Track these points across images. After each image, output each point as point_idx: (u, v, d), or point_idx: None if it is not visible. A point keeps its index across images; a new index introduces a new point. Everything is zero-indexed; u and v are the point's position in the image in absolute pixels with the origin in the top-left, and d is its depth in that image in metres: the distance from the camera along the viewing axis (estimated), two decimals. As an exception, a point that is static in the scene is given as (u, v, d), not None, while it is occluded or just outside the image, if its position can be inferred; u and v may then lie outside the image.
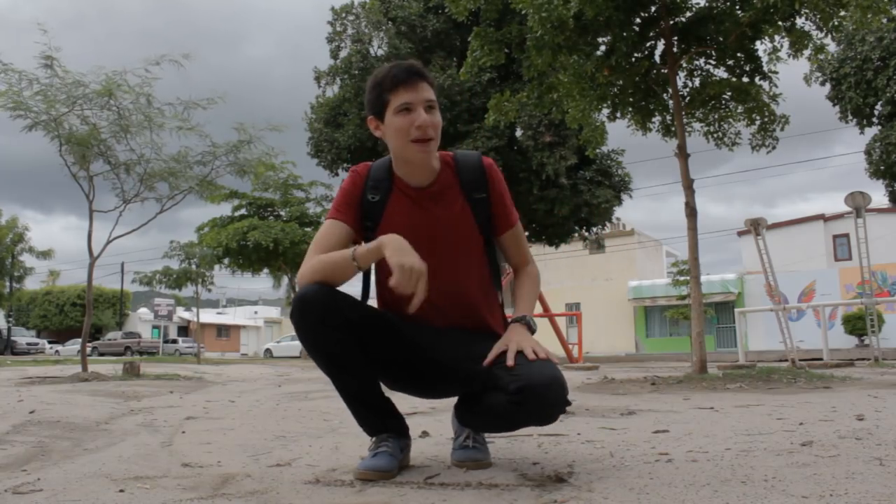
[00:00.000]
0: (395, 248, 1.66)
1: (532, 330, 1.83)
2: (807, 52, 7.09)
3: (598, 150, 10.14)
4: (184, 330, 46.16)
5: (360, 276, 1.92)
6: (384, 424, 1.88)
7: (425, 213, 1.86)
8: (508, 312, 2.00)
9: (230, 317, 54.88)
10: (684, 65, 7.44)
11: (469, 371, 1.81)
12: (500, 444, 2.31)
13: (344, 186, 1.91)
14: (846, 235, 26.13)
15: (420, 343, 1.86)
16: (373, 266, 1.89)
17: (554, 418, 1.73)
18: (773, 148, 7.96)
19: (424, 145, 1.78)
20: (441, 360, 1.85)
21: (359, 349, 1.78)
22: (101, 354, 33.10)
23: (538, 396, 1.65)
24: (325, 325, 1.72)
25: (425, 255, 1.83)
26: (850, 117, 20.64)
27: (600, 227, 21.66)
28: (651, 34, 7.32)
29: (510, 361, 1.68)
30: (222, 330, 51.51)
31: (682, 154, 6.93)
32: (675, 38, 7.10)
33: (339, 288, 1.80)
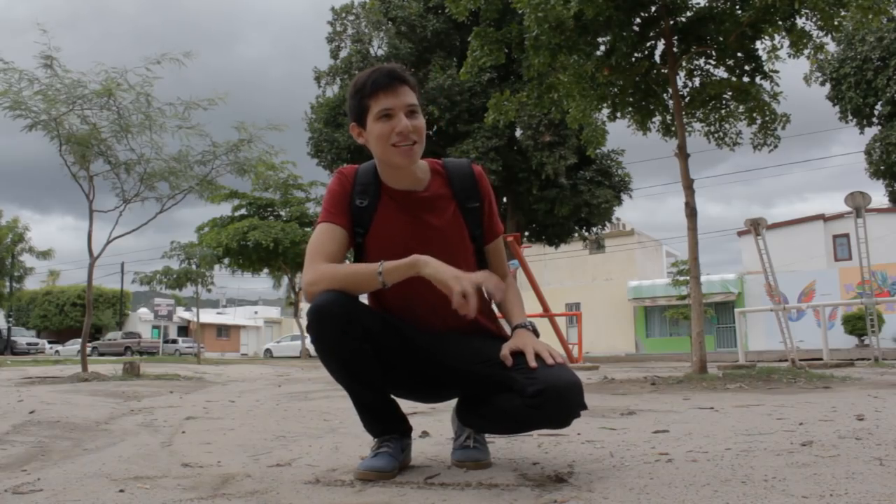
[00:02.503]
0: (435, 266, 1.65)
1: (537, 334, 1.83)
2: (806, 52, 7.10)
3: (598, 150, 10.15)
4: (184, 330, 46.17)
5: None
6: (389, 426, 1.88)
7: (417, 220, 1.84)
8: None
9: (230, 317, 54.90)
10: (684, 65, 7.44)
11: (478, 373, 1.81)
12: (500, 444, 2.31)
13: (332, 188, 1.87)
14: (846, 235, 26.14)
15: (427, 347, 1.85)
16: None
17: (569, 422, 1.71)
18: (775, 147, 7.97)
19: (408, 149, 1.76)
20: (448, 362, 1.84)
21: (373, 356, 1.77)
22: (101, 354, 33.11)
23: (557, 400, 1.64)
24: (342, 332, 1.70)
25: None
26: (850, 117, 20.66)
27: (600, 227, 21.67)
28: (651, 34, 7.32)
29: (532, 363, 1.67)
30: (222, 330, 51.52)
31: (682, 154, 6.93)
32: (675, 38, 7.11)
33: None
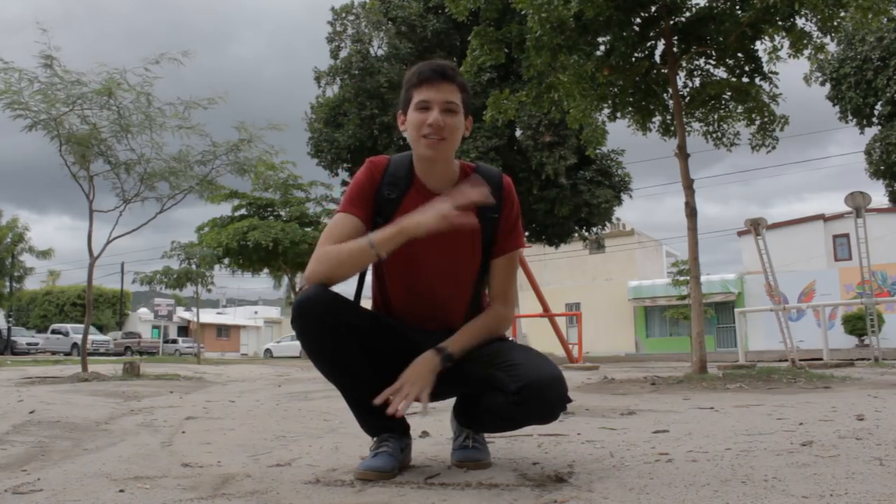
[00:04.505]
0: (420, 220, 1.68)
1: (444, 364, 1.76)
2: (806, 52, 7.09)
3: (598, 150, 10.15)
4: (184, 330, 46.14)
5: (354, 278, 1.93)
6: (385, 425, 1.87)
7: None
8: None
9: (230, 317, 54.86)
10: (684, 65, 7.44)
11: (464, 370, 1.82)
12: (500, 444, 2.31)
13: (359, 178, 1.88)
14: (846, 235, 26.11)
15: (418, 343, 1.86)
16: (369, 268, 1.89)
17: (555, 416, 1.74)
18: (773, 148, 7.97)
19: (434, 142, 1.78)
20: None
21: (360, 351, 1.78)
22: (101, 354, 33.06)
23: (539, 395, 1.66)
24: (326, 326, 1.72)
25: (429, 258, 1.84)
26: (850, 117, 20.65)
27: (600, 227, 21.66)
28: (651, 34, 7.32)
29: (391, 409, 1.68)
30: (222, 330, 51.49)
31: (682, 154, 6.93)
32: (675, 38, 7.10)
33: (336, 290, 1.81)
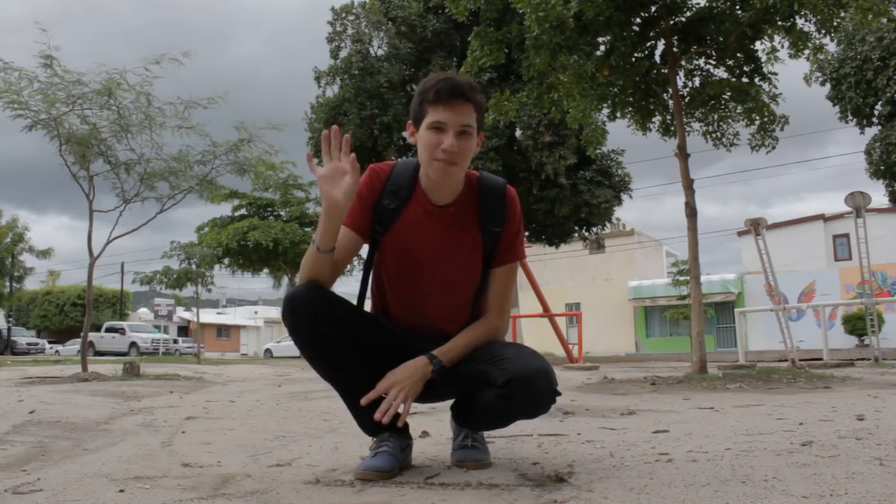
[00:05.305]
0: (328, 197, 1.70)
1: (434, 374, 1.76)
2: (806, 52, 7.09)
3: (598, 150, 10.16)
4: (184, 330, 46.13)
5: (358, 282, 1.93)
6: (384, 424, 1.88)
7: (439, 231, 1.84)
8: (514, 311, 1.99)
9: (230, 317, 54.87)
10: (684, 65, 7.44)
11: (459, 370, 1.82)
12: (500, 444, 2.31)
13: (358, 188, 1.84)
14: (846, 235, 26.11)
15: (413, 346, 1.86)
16: (371, 274, 1.91)
17: (544, 409, 1.75)
18: (773, 148, 7.97)
19: (447, 168, 1.75)
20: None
21: (352, 346, 1.79)
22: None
23: (526, 388, 1.67)
24: (315, 320, 1.73)
25: (428, 270, 1.84)
26: (850, 117, 20.64)
27: (600, 227, 21.66)
28: (651, 34, 7.32)
29: (377, 416, 1.70)
30: (222, 330, 51.50)
31: (682, 154, 6.93)
32: (675, 38, 7.10)
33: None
